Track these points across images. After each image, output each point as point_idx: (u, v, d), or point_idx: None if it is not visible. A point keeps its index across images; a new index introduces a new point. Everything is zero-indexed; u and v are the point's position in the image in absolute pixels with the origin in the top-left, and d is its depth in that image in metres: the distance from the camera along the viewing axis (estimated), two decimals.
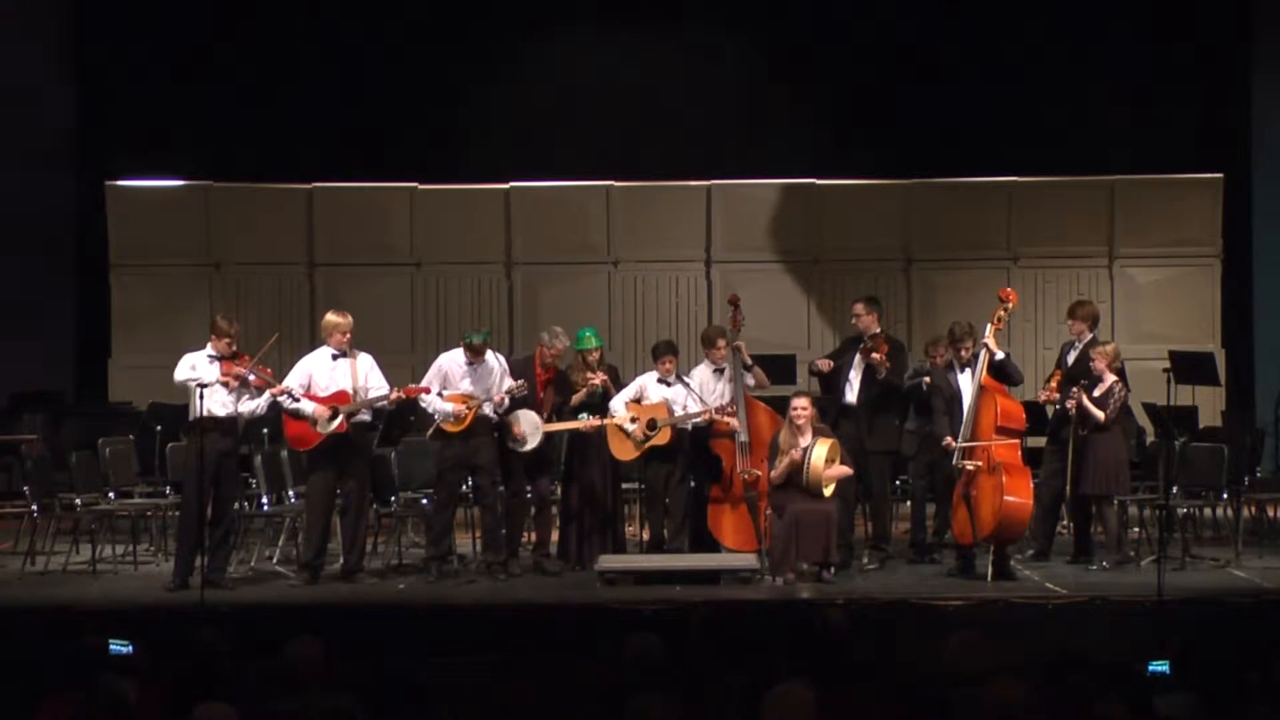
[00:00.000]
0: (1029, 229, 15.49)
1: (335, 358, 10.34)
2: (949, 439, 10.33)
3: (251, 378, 10.07)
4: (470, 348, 10.46)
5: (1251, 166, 15.67)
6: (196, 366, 10.05)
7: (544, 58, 15.74)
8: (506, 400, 10.35)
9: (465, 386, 10.37)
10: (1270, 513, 12.13)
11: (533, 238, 15.60)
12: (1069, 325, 11.10)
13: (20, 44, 15.33)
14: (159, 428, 12.04)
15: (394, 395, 10.36)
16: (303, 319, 15.35)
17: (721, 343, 10.79)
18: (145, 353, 14.59)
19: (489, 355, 10.51)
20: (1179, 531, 10.90)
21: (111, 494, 11.47)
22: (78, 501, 11.04)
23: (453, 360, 10.51)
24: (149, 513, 11.67)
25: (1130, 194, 15.55)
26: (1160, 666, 5.89)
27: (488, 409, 10.31)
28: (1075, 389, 10.41)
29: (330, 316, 10.49)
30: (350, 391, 10.25)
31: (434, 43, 15.71)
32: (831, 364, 10.87)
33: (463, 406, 10.27)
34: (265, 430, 12.23)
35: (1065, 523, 11.34)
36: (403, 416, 11.78)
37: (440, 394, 10.37)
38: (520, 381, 10.45)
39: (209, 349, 10.10)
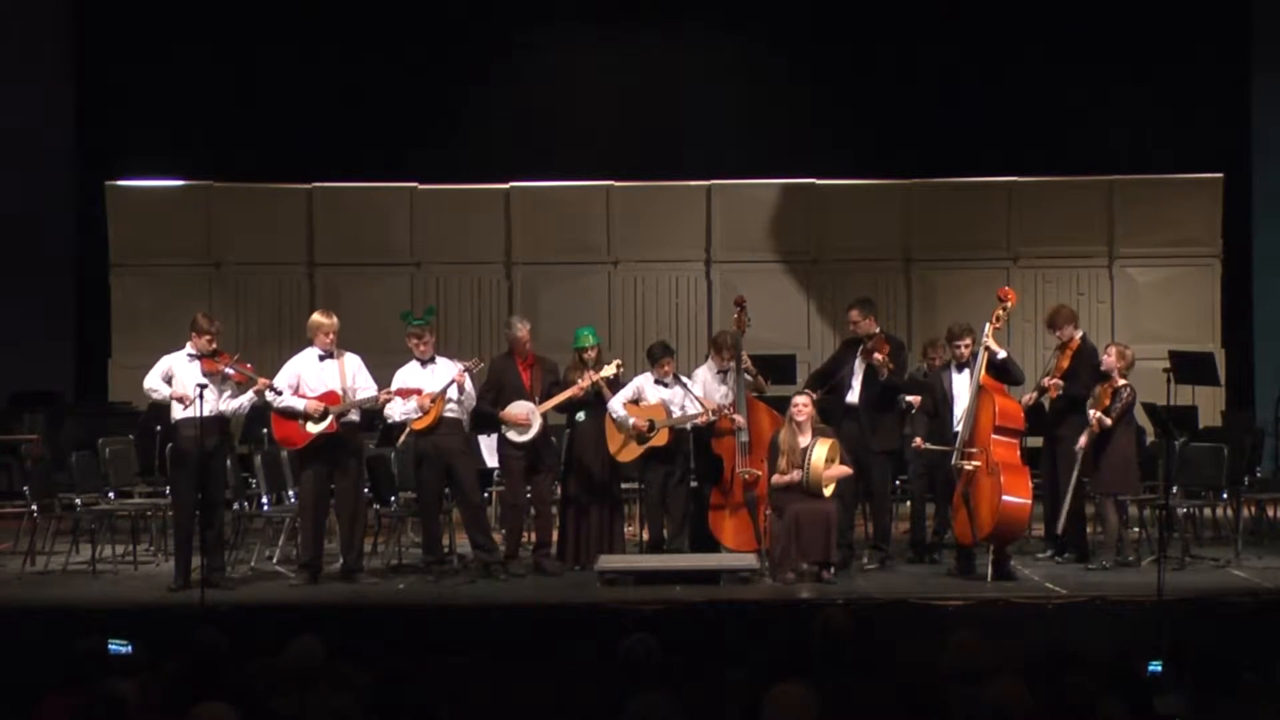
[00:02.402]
0: (1029, 229, 15.49)
1: (322, 358, 10.34)
2: (919, 440, 10.44)
3: (232, 373, 10.06)
4: (416, 333, 10.47)
5: (1251, 166, 15.67)
6: (174, 368, 10.04)
7: (544, 58, 15.74)
8: (467, 378, 10.36)
9: (425, 388, 10.38)
10: (1270, 513, 12.14)
11: (533, 238, 15.61)
12: (1058, 335, 11.04)
13: (20, 44, 15.33)
14: (159, 428, 12.01)
15: (383, 396, 10.35)
16: (302, 319, 15.18)
17: (728, 353, 10.79)
18: (145, 353, 14.33)
19: (441, 360, 10.53)
20: (1179, 531, 10.90)
21: (111, 494, 11.47)
22: (78, 501, 11.04)
23: (407, 370, 10.52)
24: (149, 513, 11.67)
25: (1130, 194, 15.56)
26: (1159, 666, 5.90)
27: (453, 393, 10.31)
28: (1101, 386, 10.41)
29: (316, 317, 10.49)
30: (340, 392, 10.25)
31: (434, 43, 15.72)
32: (818, 394, 10.81)
33: (426, 400, 10.29)
34: (265, 430, 12.22)
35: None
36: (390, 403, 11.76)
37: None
38: (475, 359, 10.53)
39: (189, 348, 10.07)
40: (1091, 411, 10.45)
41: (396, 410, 10.38)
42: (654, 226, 15.61)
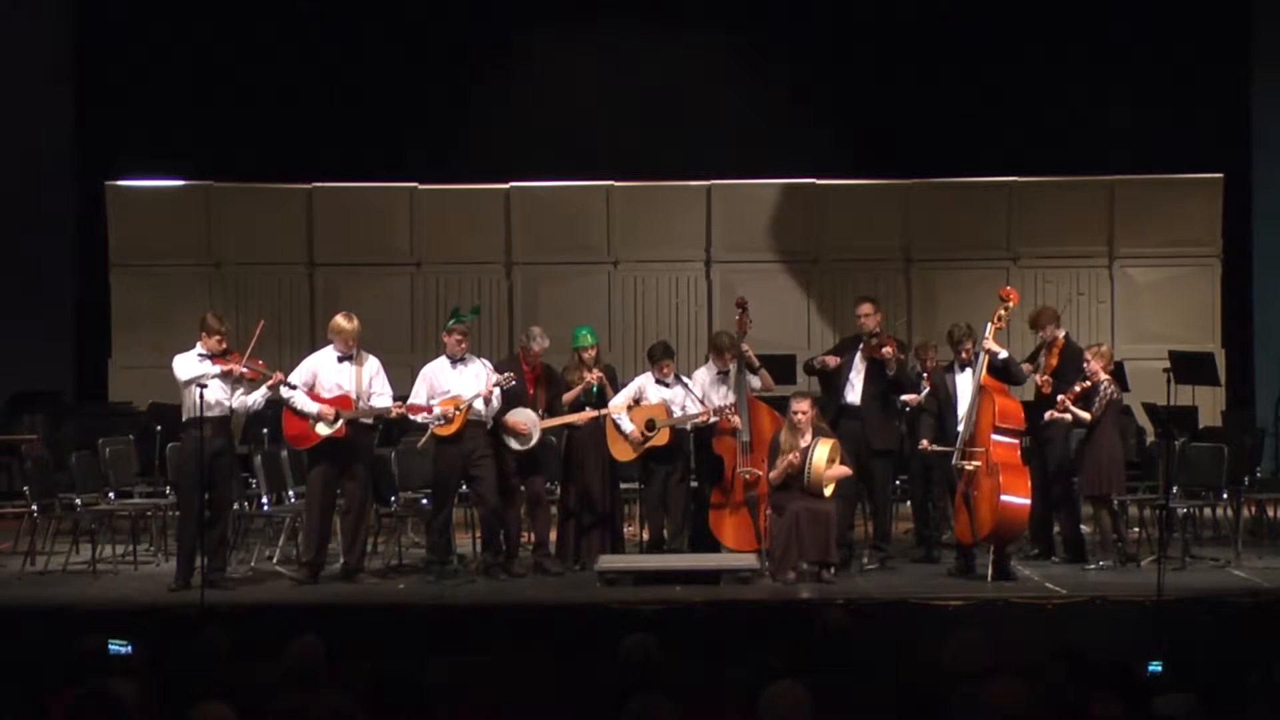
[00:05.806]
0: (1029, 229, 15.50)
1: (341, 359, 10.32)
2: (925, 441, 10.43)
3: (245, 372, 10.05)
4: (461, 330, 10.42)
5: (1251, 166, 15.69)
6: (190, 367, 10.02)
7: (544, 58, 15.75)
8: (496, 392, 10.35)
9: (453, 390, 10.37)
10: (1270, 513, 12.13)
11: (533, 238, 15.62)
12: (1041, 334, 11.06)
13: (20, 44, 15.33)
14: (159, 428, 12.03)
15: (395, 411, 10.33)
16: (302, 319, 15.38)
17: (729, 355, 10.79)
18: (145, 353, 14.60)
19: (473, 360, 10.52)
20: (1179, 531, 10.90)
21: (111, 494, 11.47)
22: (78, 501, 11.03)
23: (437, 368, 10.51)
24: (149, 513, 11.66)
25: (1130, 194, 15.56)
26: (1159, 666, 5.90)
27: (479, 404, 10.30)
28: (1080, 384, 10.42)
29: (338, 320, 10.39)
30: (353, 396, 10.23)
31: (434, 43, 15.73)
32: (839, 360, 10.85)
33: (451, 407, 10.27)
34: (265, 430, 12.24)
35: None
36: (403, 418, 11.76)
37: (429, 401, 10.39)
38: (508, 374, 10.45)
39: (199, 348, 10.03)
40: (1037, 376, 10.73)
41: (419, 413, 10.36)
42: (654, 226, 15.62)
